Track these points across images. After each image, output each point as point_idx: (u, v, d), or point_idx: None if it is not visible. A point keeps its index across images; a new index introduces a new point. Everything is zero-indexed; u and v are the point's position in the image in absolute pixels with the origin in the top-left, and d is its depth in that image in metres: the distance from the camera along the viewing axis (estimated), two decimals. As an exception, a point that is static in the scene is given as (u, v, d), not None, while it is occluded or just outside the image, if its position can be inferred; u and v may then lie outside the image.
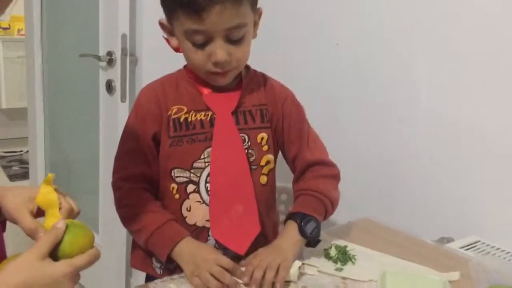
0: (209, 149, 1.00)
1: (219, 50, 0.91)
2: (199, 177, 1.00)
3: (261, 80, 1.08)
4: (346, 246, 1.07)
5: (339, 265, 1.01)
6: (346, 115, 1.58)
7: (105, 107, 1.99)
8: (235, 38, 0.92)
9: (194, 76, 1.02)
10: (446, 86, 1.31)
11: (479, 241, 1.19)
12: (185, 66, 1.06)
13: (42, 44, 2.38)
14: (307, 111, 1.11)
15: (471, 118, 1.26)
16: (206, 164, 1.00)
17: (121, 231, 2.04)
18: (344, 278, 0.97)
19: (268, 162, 1.05)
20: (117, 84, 1.89)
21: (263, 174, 1.05)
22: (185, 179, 1.00)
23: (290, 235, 0.98)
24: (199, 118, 1.00)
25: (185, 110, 1.00)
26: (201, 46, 0.92)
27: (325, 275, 0.97)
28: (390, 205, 1.45)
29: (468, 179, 1.29)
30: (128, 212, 1.01)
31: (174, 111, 1.00)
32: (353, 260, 1.03)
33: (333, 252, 1.05)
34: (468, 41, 1.26)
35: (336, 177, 1.09)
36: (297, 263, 0.96)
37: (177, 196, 1.01)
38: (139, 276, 2.15)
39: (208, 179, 1.00)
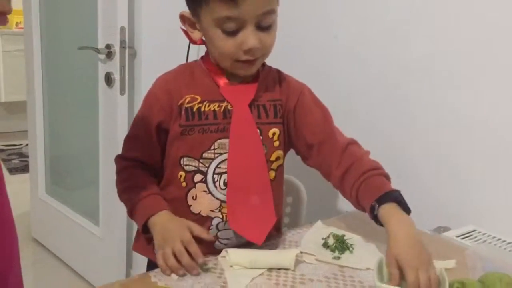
0: (220, 141, 1.00)
1: (251, 37, 0.92)
2: (208, 167, 1.01)
3: (276, 76, 1.09)
4: (343, 235, 1.08)
5: (336, 253, 1.02)
6: (344, 107, 1.58)
7: (104, 99, 2.00)
8: (265, 25, 0.93)
9: (211, 67, 1.03)
10: (445, 76, 1.32)
11: (475, 230, 1.20)
12: (202, 57, 1.06)
13: (41, 37, 2.38)
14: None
15: (469, 107, 1.27)
16: (216, 155, 1.00)
17: (121, 223, 2.06)
18: (341, 266, 0.98)
19: (278, 158, 1.06)
20: (116, 77, 1.90)
21: (272, 169, 1.05)
22: (193, 168, 1.01)
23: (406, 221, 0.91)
24: (212, 109, 1.00)
25: (199, 99, 1.00)
26: (232, 34, 0.92)
27: (323, 263, 0.99)
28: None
29: (465, 169, 1.30)
30: (120, 186, 1.07)
31: (187, 100, 1.00)
32: (350, 249, 1.04)
33: (331, 241, 1.06)
34: (467, 28, 1.26)
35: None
36: (295, 251, 0.97)
37: (184, 184, 1.02)
38: (140, 267, 2.16)
39: (216, 170, 1.01)
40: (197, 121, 1.00)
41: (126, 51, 1.89)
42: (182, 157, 1.01)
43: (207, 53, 1.05)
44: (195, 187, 1.02)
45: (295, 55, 1.72)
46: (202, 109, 1.00)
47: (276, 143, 1.05)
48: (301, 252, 1.00)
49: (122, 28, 1.85)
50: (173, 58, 2.03)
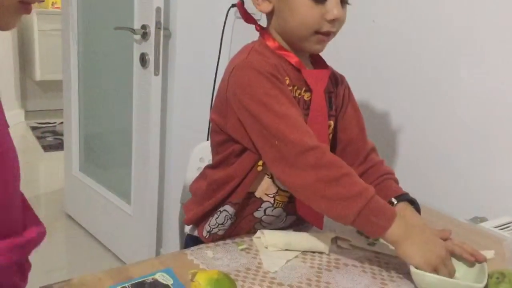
0: None
1: (338, 6, 0.92)
2: None
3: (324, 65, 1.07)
4: (379, 222, 1.07)
5: (371, 239, 1.02)
6: (381, 93, 1.56)
7: (139, 80, 2.02)
8: None
9: (280, 48, 0.98)
10: (487, 62, 1.28)
11: (513, 221, 1.18)
12: (260, 40, 1.00)
13: (78, 17, 2.41)
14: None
15: (508, 95, 1.24)
16: None
17: (152, 203, 2.09)
18: (376, 252, 0.98)
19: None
20: (151, 58, 1.91)
21: None
22: None
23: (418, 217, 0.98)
24: (298, 96, 0.97)
25: (291, 86, 0.97)
26: (320, 1, 0.91)
27: (358, 249, 0.98)
28: (423, 183, 1.44)
29: (502, 159, 1.27)
30: (335, 173, 0.86)
31: (287, 82, 0.96)
32: (385, 235, 1.03)
33: (365, 227, 1.05)
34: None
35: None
36: (330, 235, 0.97)
37: (259, 168, 0.97)
38: (170, 247, 2.20)
39: None
40: None
41: (161, 32, 1.90)
42: None
43: (265, 34, 1.00)
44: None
45: (333, 41, 1.69)
46: (293, 94, 0.96)
47: (330, 136, 1.04)
48: (336, 237, 1.00)
49: (158, 9, 1.86)
50: (207, 40, 2.03)
